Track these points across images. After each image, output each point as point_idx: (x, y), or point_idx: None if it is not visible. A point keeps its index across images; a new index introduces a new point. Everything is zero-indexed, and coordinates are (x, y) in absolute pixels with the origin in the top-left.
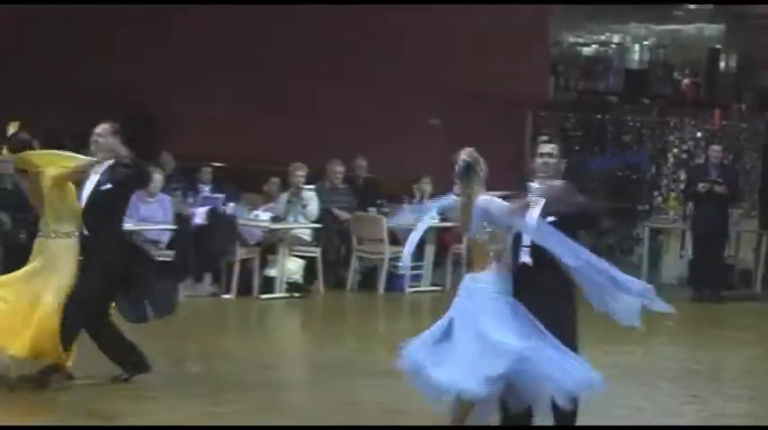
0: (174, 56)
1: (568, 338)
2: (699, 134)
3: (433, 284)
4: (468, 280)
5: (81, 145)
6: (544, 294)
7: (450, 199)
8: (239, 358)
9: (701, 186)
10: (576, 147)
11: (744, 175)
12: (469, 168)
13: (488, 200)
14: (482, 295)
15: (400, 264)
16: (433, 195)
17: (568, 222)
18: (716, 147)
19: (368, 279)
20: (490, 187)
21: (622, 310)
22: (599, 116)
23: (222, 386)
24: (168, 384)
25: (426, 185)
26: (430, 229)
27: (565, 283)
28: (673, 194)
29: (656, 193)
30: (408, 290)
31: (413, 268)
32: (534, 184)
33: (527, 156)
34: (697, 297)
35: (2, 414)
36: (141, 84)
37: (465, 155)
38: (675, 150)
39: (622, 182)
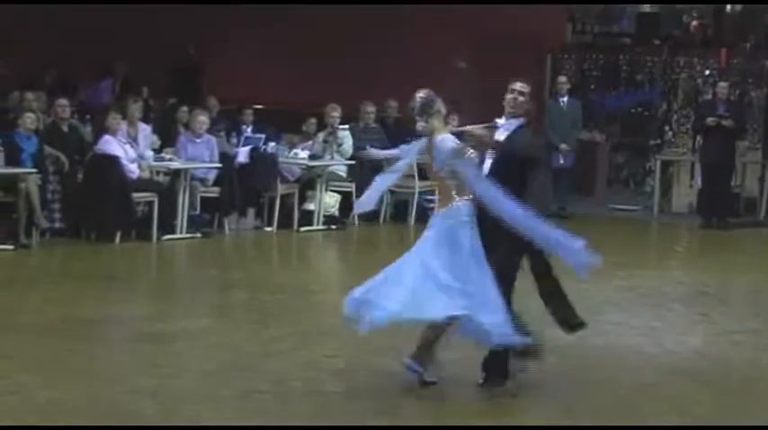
0: (219, 8)
1: (501, 273)
2: (707, 72)
3: None
4: (434, 216)
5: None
6: (496, 228)
7: (422, 140)
8: (283, 286)
9: (710, 120)
10: (592, 87)
11: (749, 110)
12: (425, 105)
13: (441, 138)
14: (445, 229)
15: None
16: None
17: (513, 161)
18: (723, 84)
19: (399, 212)
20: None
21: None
22: (613, 57)
23: (268, 311)
24: (217, 310)
25: (453, 122)
26: None
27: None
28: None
29: (666, 128)
30: None
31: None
32: (500, 120)
33: (545, 97)
34: (705, 224)
35: None
36: (188, 33)
37: (421, 93)
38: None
39: (635, 118)
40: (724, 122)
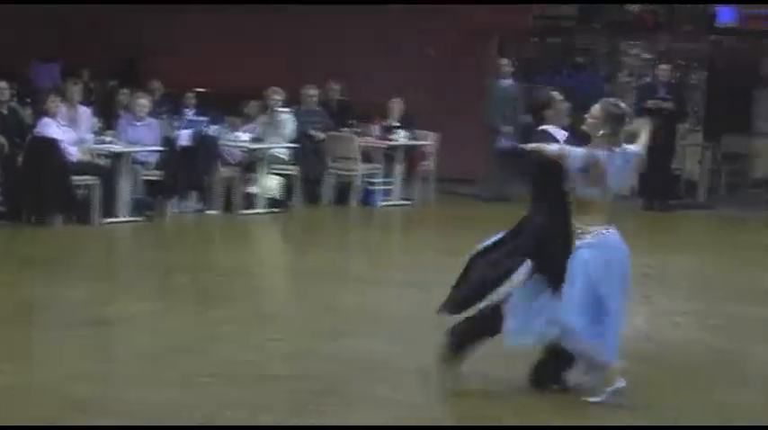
0: None
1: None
2: (648, 55)
3: (402, 198)
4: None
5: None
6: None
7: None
8: (225, 269)
9: (651, 103)
10: (534, 71)
11: (689, 93)
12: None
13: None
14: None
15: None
16: (405, 115)
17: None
18: (664, 67)
19: (342, 195)
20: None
21: None
22: (555, 40)
23: (211, 294)
24: (160, 293)
25: (397, 105)
26: (399, 147)
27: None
28: None
29: None
30: (380, 204)
31: (384, 183)
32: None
33: (487, 81)
34: (647, 206)
35: None
36: (132, 17)
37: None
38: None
39: (578, 102)
40: (665, 105)
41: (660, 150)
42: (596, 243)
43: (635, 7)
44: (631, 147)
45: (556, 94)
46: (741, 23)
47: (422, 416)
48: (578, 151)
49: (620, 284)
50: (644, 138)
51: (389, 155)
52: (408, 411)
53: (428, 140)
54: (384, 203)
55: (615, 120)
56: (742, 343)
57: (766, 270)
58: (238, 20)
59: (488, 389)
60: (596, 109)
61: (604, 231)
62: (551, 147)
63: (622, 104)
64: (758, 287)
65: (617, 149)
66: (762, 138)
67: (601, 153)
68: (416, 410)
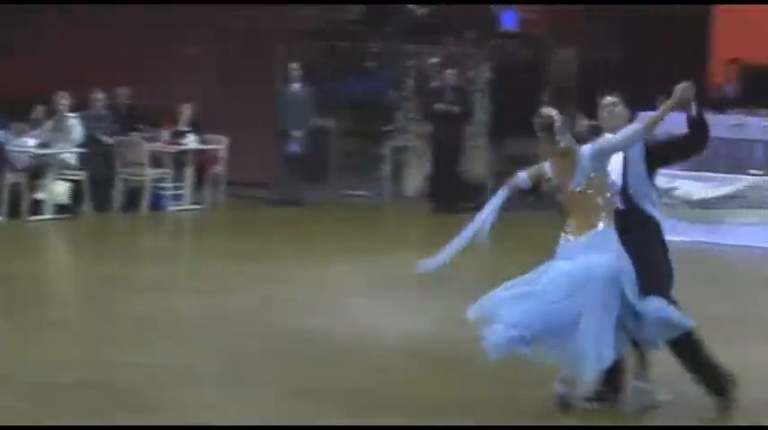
0: None
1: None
2: (435, 59)
3: (193, 203)
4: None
5: None
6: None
7: (543, 166)
8: (13, 276)
9: (438, 107)
10: (323, 75)
11: (475, 96)
12: (552, 125)
13: (594, 144)
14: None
15: None
16: (194, 120)
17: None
18: (450, 71)
19: (132, 200)
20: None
21: None
22: (343, 44)
23: None
24: None
25: (187, 110)
26: (189, 152)
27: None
28: None
29: (397, 115)
30: (170, 209)
31: (174, 188)
32: (608, 135)
33: (276, 85)
34: (436, 208)
35: None
36: None
37: (543, 111)
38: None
39: (366, 105)
40: (451, 109)
41: (448, 153)
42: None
43: (422, 11)
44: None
45: (553, 113)
46: (523, 28)
47: (218, 419)
48: (522, 174)
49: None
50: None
51: (179, 159)
52: (200, 414)
53: (218, 145)
54: (174, 208)
55: (544, 130)
56: None
57: None
58: (23, 22)
59: (325, 389)
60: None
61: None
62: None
63: (545, 112)
64: None
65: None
66: None
67: (545, 165)
68: (210, 412)
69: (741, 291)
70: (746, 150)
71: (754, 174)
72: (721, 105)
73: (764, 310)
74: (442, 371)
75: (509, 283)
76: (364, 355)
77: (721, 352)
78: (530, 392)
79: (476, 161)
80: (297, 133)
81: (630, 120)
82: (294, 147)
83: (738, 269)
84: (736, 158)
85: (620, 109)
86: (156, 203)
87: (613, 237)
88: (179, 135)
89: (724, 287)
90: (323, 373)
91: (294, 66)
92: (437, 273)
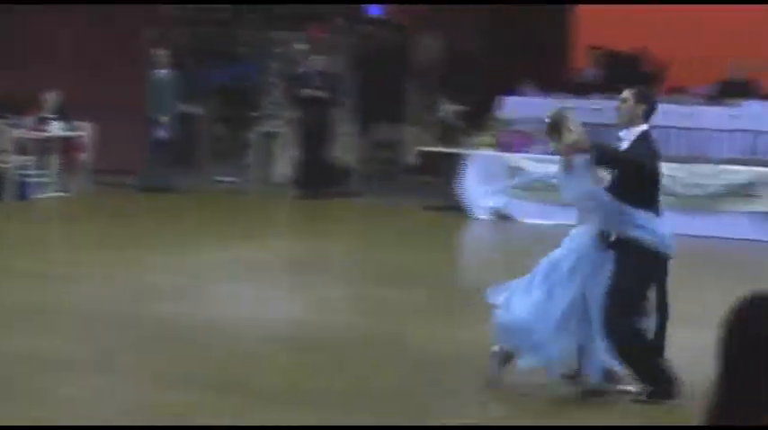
0: None
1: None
2: (303, 46)
3: (59, 191)
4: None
5: None
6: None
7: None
8: None
9: (306, 93)
10: (191, 61)
11: (342, 82)
12: (556, 124)
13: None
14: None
15: None
16: (60, 107)
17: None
18: (317, 57)
19: None
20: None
21: None
22: (211, 30)
23: None
24: None
25: (52, 97)
26: (54, 139)
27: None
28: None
29: (265, 101)
30: (36, 197)
31: (39, 176)
32: (621, 133)
33: (143, 69)
34: (304, 194)
35: None
36: None
37: (551, 112)
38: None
39: (235, 91)
40: (319, 94)
41: (316, 139)
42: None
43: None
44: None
45: (566, 114)
46: (390, 16)
47: (82, 409)
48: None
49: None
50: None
51: (44, 147)
52: (63, 403)
53: (84, 131)
54: (40, 196)
55: (549, 133)
56: (392, 324)
57: (415, 254)
58: None
59: (194, 377)
60: None
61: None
62: None
63: (548, 114)
64: (407, 270)
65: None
66: (412, 127)
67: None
68: (73, 401)
69: None
70: (607, 135)
71: None
72: (583, 90)
73: None
74: (310, 356)
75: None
76: (233, 342)
77: None
78: (397, 376)
79: (343, 147)
80: (164, 119)
81: (640, 117)
82: (161, 134)
83: None
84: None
85: (629, 105)
86: (22, 191)
87: (586, 235)
88: (44, 122)
89: None
90: (192, 361)
91: (161, 52)
92: (304, 260)
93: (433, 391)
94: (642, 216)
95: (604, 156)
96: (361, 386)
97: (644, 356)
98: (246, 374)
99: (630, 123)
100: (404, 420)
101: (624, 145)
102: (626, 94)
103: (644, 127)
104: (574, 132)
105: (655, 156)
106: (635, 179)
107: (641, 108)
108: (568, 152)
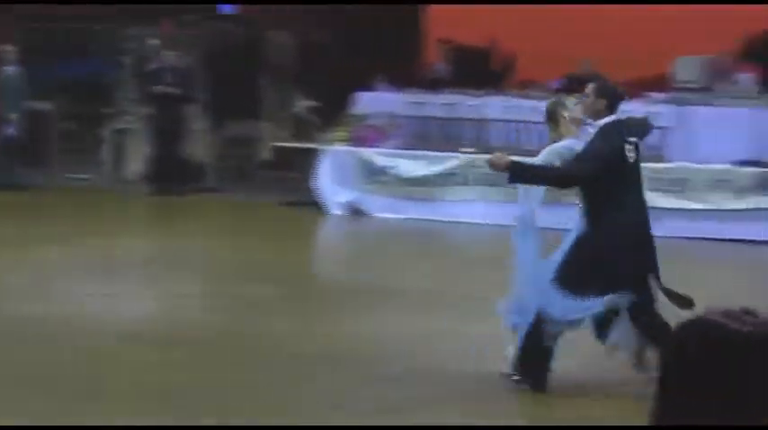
0: None
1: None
2: (156, 42)
3: None
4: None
5: None
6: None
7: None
8: None
9: (158, 89)
10: (40, 57)
11: (195, 79)
12: (551, 113)
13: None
14: None
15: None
16: None
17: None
18: (169, 53)
19: None
20: None
21: None
22: (61, 26)
23: None
24: None
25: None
26: None
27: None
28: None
29: (117, 97)
30: None
31: None
32: (590, 128)
33: None
34: (158, 191)
35: None
36: None
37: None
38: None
39: (86, 87)
40: (171, 91)
41: (169, 135)
42: None
43: None
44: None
45: (566, 102)
46: (244, 12)
47: None
48: None
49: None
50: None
51: None
52: None
53: None
54: None
55: (547, 122)
56: (249, 320)
57: (271, 250)
58: None
59: (45, 376)
60: None
61: None
62: None
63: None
64: (263, 267)
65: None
66: (266, 123)
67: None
68: None
69: (453, 266)
70: (458, 129)
71: (465, 152)
72: (434, 85)
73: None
74: (168, 354)
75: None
76: (89, 340)
77: (417, 323)
78: (255, 371)
79: (196, 143)
80: (13, 117)
81: (603, 111)
82: (10, 131)
83: (451, 244)
84: (448, 137)
85: (590, 100)
86: None
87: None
88: None
89: (437, 262)
90: (41, 360)
91: (9, 48)
92: (159, 257)
93: (293, 387)
94: None
95: (521, 175)
96: (219, 382)
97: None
98: (104, 373)
99: (596, 117)
100: (260, 417)
101: (585, 140)
102: (588, 89)
103: (607, 120)
104: (568, 121)
105: (613, 149)
106: (585, 179)
107: (602, 102)
108: (494, 169)
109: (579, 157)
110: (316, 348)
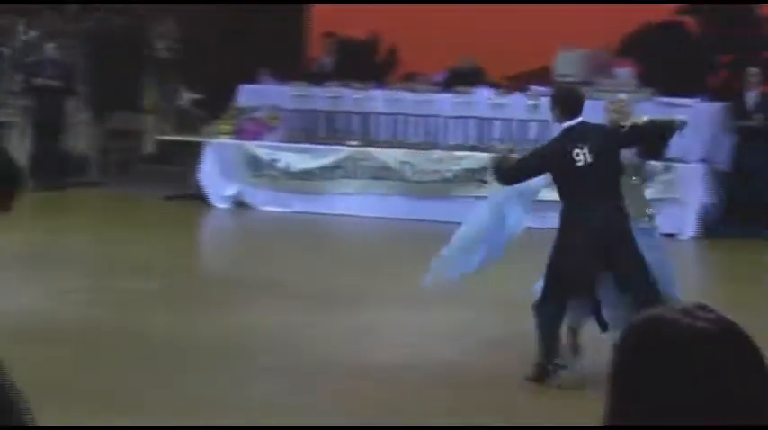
0: None
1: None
2: (35, 33)
3: None
4: None
5: None
6: None
7: None
8: None
9: (39, 81)
10: None
11: (76, 70)
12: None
13: None
14: None
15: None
16: None
17: None
18: (50, 45)
19: None
20: None
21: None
22: None
23: None
24: None
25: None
26: None
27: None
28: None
29: None
30: None
31: None
32: None
33: None
34: (39, 185)
35: None
36: None
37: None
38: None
39: None
40: (52, 83)
41: (50, 128)
42: None
43: None
44: None
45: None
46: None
47: None
48: None
49: None
50: None
51: None
52: None
53: None
54: None
55: (551, 108)
56: (132, 315)
57: (155, 244)
58: None
59: None
60: None
61: None
62: None
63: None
64: (147, 261)
65: None
66: (150, 115)
67: None
68: None
69: (338, 258)
70: (344, 121)
71: (350, 145)
72: (319, 78)
73: (350, 277)
74: (50, 350)
75: None
76: None
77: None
78: (139, 366)
79: (79, 136)
80: None
81: (561, 117)
82: None
83: (336, 237)
84: (334, 130)
85: (549, 109)
86: None
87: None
88: None
89: (321, 255)
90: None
91: None
92: (41, 252)
93: (177, 381)
94: None
95: (497, 171)
96: (102, 378)
97: None
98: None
99: (561, 122)
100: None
101: None
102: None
103: (566, 124)
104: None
105: (553, 151)
106: (519, 173)
107: (556, 111)
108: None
109: (523, 156)
110: (201, 341)
